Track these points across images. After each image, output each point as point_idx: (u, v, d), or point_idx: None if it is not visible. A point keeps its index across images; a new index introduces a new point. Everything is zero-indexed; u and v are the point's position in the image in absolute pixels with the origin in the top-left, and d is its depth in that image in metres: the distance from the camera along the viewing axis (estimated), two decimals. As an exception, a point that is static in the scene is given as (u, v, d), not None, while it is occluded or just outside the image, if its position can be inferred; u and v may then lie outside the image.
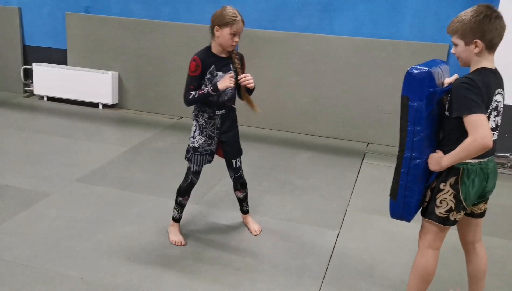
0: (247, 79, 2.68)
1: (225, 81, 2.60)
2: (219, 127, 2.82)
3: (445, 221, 2.08)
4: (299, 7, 5.02)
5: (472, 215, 2.20)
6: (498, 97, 2.00)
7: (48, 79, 5.80)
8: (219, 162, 3.02)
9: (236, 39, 2.62)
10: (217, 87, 2.61)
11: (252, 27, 5.13)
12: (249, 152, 4.52)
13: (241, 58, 2.80)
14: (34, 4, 5.89)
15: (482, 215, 2.22)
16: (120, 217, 3.20)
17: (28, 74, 6.07)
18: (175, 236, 2.94)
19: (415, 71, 1.97)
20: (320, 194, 3.75)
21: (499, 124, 2.06)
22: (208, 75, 2.68)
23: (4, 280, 2.47)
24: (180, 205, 2.95)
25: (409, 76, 1.99)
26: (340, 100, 5.03)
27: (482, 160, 2.02)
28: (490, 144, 1.87)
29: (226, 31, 2.58)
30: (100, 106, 5.77)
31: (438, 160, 2.02)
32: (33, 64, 5.86)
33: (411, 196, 2.08)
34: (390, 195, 2.15)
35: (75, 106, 5.72)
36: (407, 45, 4.75)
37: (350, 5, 4.88)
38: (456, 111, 1.93)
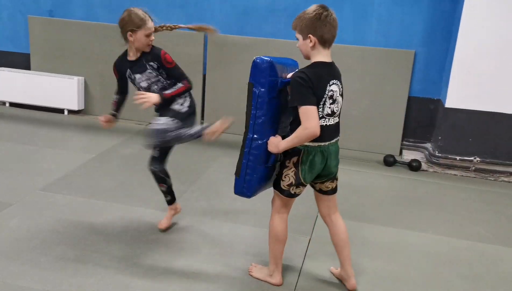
0: (140, 98, 2.68)
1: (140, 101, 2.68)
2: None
3: (287, 193, 2.38)
4: (266, 13, 5.04)
5: (322, 191, 2.50)
6: (333, 87, 2.25)
7: (10, 84, 5.61)
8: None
9: (152, 38, 2.68)
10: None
11: (221, 32, 5.11)
12: (219, 158, 4.50)
13: (157, 56, 2.73)
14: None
15: (332, 192, 2.50)
16: (86, 226, 3.10)
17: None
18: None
19: (259, 61, 2.20)
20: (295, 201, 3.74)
21: (335, 110, 2.31)
22: (129, 79, 2.84)
23: (-38, 296, 2.36)
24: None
25: (254, 65, 2.21)
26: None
27: (321, 144, 2.29)
28: (317, 133, 2.16)
29: (141, 33, 2.61)
30: (65, 112, 5.62)
31: (277, 143, 2.26)
32: (-6, 68, 5.67)
33: (251, 174, 2.29)
34: (235, 173, 2.35)
35: (39, 112, 5.55)
36: (373, 51, 4.84)
37: (318, 11, 4.93)
38: (291, 102, 2.21)
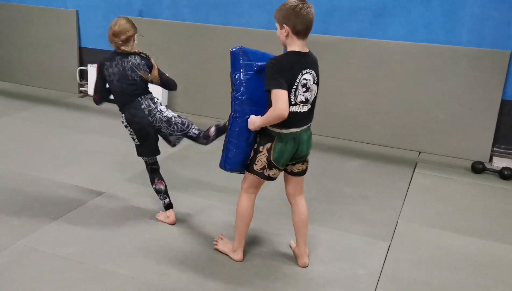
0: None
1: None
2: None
3: (260, 175, 2.54)
4: (350, 12, 4.92)
5: (292, 173, 2.63)
6: (306, 76, 2.37)
7: (101, 80, 5.96)
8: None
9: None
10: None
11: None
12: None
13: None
14: (90, 7, 6.08)
15: (301, 173, 2.64)
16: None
17: (83, 75, 6.27)
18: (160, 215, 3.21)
19: (232, 49, 2.48)
20: (370, 204, 3.64)
21: (309, 98, 2.43)
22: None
23: (56, 276, 2.53)
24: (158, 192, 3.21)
25: (231, 54, 2.48)
26: (391, 108, 4.89)
27: (294, 130, 2.44)
28: (285, 114, 2.29)
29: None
30: (150, 107, 5.87)
31: (254, 121, 2.42)
32: (88, 65, 6.04)
33: (232, 149, 2.52)
34: (222, 150, 2.58)
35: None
36: (465, 51, 4.56)
37: (404, 9, 4.74)
38: (265, 86, 2.33)
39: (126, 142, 4.61)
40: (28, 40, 6.43)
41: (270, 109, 2.33)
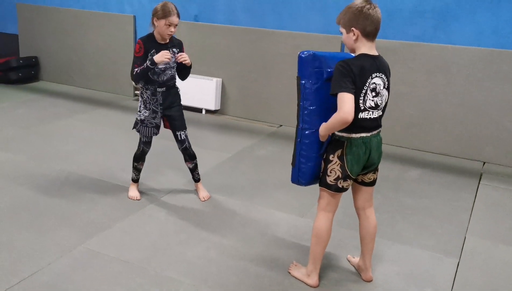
0: (182, 56, 3.16)
1: (161, 56, 3.04)
2: (162, 103, 3.29)
3: (335, 188, 2.39)
4: (411, 15, 4.76)
5: (363, 183, 2.51)
6: (376, 80, 2.26)
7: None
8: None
9: (171, 29, 3.08)
10: (154, 60, 3.05)
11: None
12: (353, 165, 4.36)
13: (180, 44, 3.30)
14: (147, 12, 6.18)
15: (371, 183, 2.52)
16: (224, 225, 3.20)
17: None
18: (132, 192, 3.52)
19: (302, 54, 2.32)
20: (434, 216, 3.48)
21: (379, 103, 2.32)
22: (150, 57, 3.10)
23: (121, 280, 2.55)
24: (136, 169, 3.51)
25: (299, 59, 2.33)
26: (454, 114, 4.68)
27: (364, 135, 2.32)
28: (349, 119, 2.17)
29: (162, 22, 3.06)
30: (203, 111, 5.91)
31: (320, 130, 2.32)
32: (144, 69, 6.16)
33: (305, 162, 2.39)
34: (291, 163, 2.46)
35: (179, 111, 5.90)
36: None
37: (470, 12, 4.53)
38: (331, 90, 2.23)
39: (174, 143, 4.62)
40: (87, 45, 6.63)
41: (335, 114, 2.21)
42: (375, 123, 2.35)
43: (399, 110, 4.89)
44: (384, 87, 2.31)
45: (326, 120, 2.30)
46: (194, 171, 3.55)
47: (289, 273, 2.68)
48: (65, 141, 4.65)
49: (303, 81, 2.33)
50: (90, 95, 6.46)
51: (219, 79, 5.79)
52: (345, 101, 2.16)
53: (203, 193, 3.57)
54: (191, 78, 5.82)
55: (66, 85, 6.90)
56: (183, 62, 3.17)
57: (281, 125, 5.52)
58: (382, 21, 5.00)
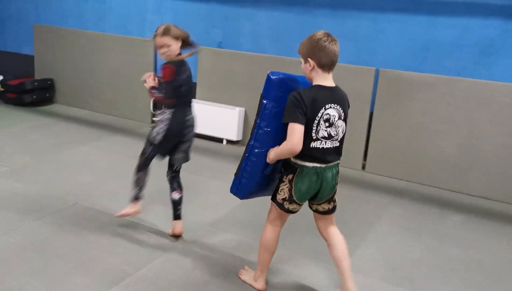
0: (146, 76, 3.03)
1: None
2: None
3: (282, 207, 2.46)
4: (451, 48, 4.51)
5: (318, 211, 2.53)
6: (330, 111, 2.30)
7: (175, 111, 5.82)
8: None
9: (161, 50, 2.94)
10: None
11: (394, 68, 4.72)
12: (389, 207, 4.05)
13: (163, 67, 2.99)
14: (169, 37, 6.00)
15: (327, 212, 2.52)
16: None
17: (157, 105, 6.14)
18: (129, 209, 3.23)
19: (272, 75, 2.34)
20: (486, 272, 3.14)
21: (333, 134, 2.35)
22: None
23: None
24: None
25: (267, 78, 2.36)
26: (497, 155, 4.38)
27: (317, 165, 2.34)
28: (297, 149, 2.25)
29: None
30: (224, 141, 5.65)
31: (269, 153, 2.37)
32: (163, 96, 5.93)
33: (247, 177, 2.43)
34: (234, 174, 2.50)
35: (200, 141, 5.64)
36: None
37: (514, 48, 4.28)
38: (284, 118, 2.29)
39: (204, 180, 4.34)
40: (105, 68, 6.44)
41: (284, 143, 2.29)
42: (330, 154, 2.36)
43: (436, 149, 4.60)
44: (339, 118, 2.34)
45: (277, 144, 2.35)
46: (180, 204, 3.23)
47: (240, 277, 2.80)
48: (81, 172, 4.39)
49: (265, 102, 2.36)
50: (106, 121, 6.22)
51: (242, 109, 5.54)
52: (294, 133, 2.23)
53: (178, 228, 3.23)
54: (212, 106, 5.64)
55: (81, 109, 6.69)
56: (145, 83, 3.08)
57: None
58: (419, 53, 4.78)
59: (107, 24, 6.42)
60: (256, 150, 2.40)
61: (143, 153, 3.18)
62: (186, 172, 3.72)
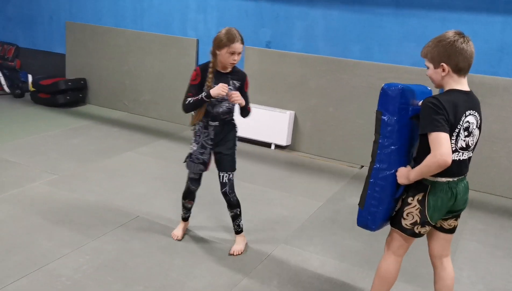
0: (233, 97, 2.76)
1: (218, 89, 2.72)
2: (213, 138, 2.93)
3: (410, 232, 2.17)
4: (530, 50, 4.22)
5: (441, 229, 2.25)
6: (469, 118, 2.05)
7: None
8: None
9: (235, 57, 2.74)
10: (209, 93, 2.73)
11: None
12: (468, 221, 3.77)
13: (242, 78, 2.90)
14: (211, 36, 5.72)
15: (451, 231, 2.26)
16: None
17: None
18: (176, 230, 3.19)
19: (389, 88, 2.09)
20: None
21: (470, 144, 2.09)
22: (206, 88, 2.80)
23: None
24: (184, 207, 3.15)
25: (383, 92, 2.11)
26: None
27: (450, 179, 2.08)
28: (449, 161, 1.93)
29: (225, 49, 2.72)
30: (272, 146, 5.37)
31: (406, 174, 2.09)
32: (206, 98, 5.66)
33: (377, 205, 2.16)
34: (358, 204, 2.24)
35: (246, 145, 5.35)
36: None
37: None
38: (421, 129, 2.01)
39: (263, 190, 4.06)
40: (142, 69, 6.17)
41: (429, 157, 1.96)
42: (463, 166, 2.11)
43: (511, 159, 4.31)
44: (476, 126, 2.10)
45: (404, 162, 2.14)
46: (234, 220, 3.06)
47: None
48: (134, 181, 4.12)
49: (385, 118, 2.11)
50: (145, 124, 5.95)
51: (292, 112, 5.26)
52: (441, 143, 1.93)
53: (237, 246, 3.07)
54: (260, 109, 5.34)
55: (115, 111, 6.42)
56: (234, 102, 2.82)
57: (363, 166, 4.95)
58: (493, 56, 4.48)
59: (145, 22, 6.15)
60: (384, 173, 2.13)
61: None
62: (239, 180, 3.47)
